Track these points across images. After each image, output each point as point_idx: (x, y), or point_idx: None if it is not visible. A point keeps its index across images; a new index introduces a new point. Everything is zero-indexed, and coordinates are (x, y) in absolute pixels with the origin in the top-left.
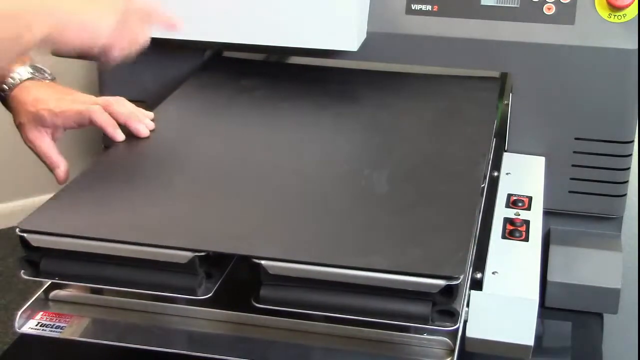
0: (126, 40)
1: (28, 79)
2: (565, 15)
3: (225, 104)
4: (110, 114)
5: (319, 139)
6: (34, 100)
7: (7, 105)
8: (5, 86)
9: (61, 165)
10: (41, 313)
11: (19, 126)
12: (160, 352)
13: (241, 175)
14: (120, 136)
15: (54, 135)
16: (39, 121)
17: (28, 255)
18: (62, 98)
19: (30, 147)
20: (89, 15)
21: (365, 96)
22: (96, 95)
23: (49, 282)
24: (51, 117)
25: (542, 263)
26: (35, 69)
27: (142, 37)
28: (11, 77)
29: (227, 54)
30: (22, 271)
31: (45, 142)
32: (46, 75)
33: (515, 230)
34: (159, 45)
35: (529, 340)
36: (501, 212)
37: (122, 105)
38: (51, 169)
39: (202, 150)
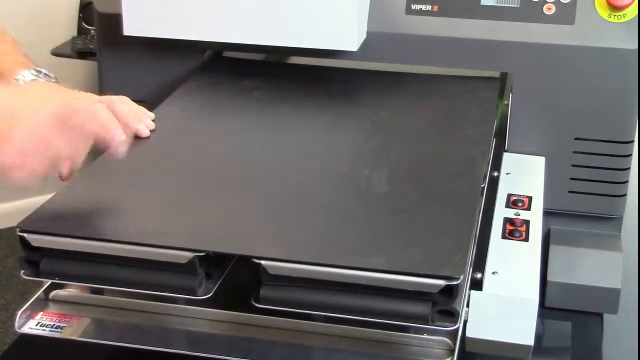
0: (30, 164)
1: (31, 80)
2: (565, 15)
3: (225, 104)
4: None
5: (319, 139)
6: None
7: None
8: None
9: None
10: (41, 313)
11: None
12: (160, 352)
13: (241, 176)
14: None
15: None
16: None
17: (28, 255)
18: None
19: None
20: None
21: (366, 96)
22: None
23: (49, 282)
24: None
25: (542, 263)
26: (39, 72)
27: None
28: (15, 80)
29: (227, 54)
30: (22, 271)
31: None
32: (50, 79)
33: (515, 230)
34: (159, 45)
35: (529, 340)
36: (501, 212)
37: (123, 105)
38: None
39: (202, 151)
